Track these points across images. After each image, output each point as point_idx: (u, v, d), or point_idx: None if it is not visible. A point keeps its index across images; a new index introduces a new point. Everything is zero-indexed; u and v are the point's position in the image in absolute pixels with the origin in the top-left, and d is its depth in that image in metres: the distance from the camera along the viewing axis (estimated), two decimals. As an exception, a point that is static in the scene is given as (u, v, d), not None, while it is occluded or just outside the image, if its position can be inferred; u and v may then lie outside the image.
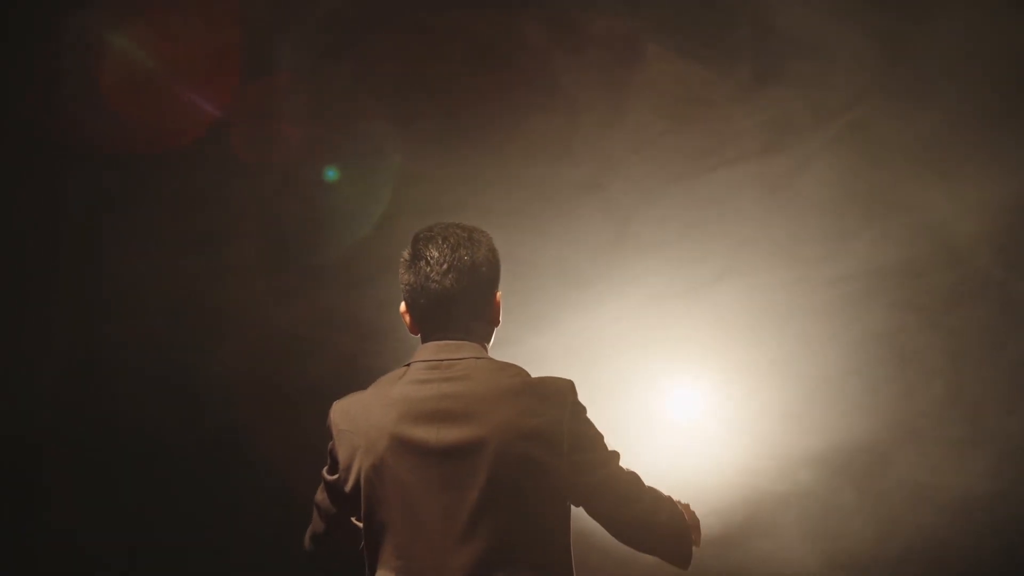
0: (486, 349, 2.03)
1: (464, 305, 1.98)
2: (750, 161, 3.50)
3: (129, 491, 3.60)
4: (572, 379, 1.95)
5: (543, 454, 1.86)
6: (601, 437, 1.96)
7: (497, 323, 2.08)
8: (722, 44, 3.52)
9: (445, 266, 1.95)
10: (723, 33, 3.52)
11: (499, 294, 2.06)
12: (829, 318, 3.42)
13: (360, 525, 2.02)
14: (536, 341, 3.38)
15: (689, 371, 3.44)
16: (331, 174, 3.62)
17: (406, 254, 2.02)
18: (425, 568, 1.86)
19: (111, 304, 3.64)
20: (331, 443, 1.99)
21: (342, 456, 1.95)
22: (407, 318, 2.04)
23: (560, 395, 1.90)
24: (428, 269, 1.96)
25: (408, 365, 1.98)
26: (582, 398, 1.99)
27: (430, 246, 1.98)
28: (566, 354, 3.28)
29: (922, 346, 3.39)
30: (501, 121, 3.57)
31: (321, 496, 2.07)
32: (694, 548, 2.06)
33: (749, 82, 3.50)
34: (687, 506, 2.12)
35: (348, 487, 1.95)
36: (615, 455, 1.96)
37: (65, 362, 3.64)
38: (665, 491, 2.06)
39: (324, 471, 2.04)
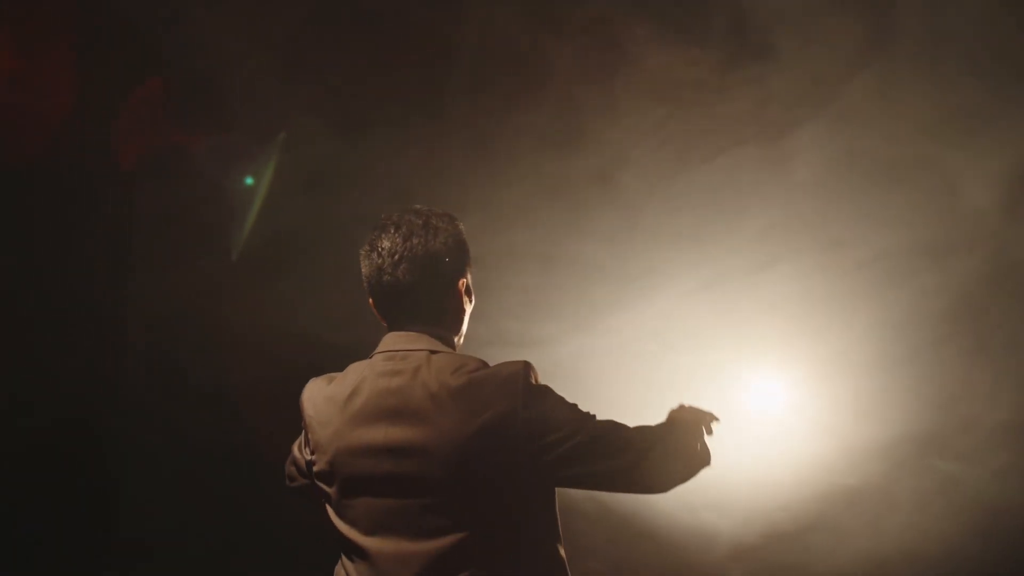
0: (451, 339, 1.99)
1: (421, 296, 1.93)
2: (754, 142, 3.40)
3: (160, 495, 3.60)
4: (528, 360, 1.88)
5: (496, 451, 1.80)
6: (569, 409, 1.86)
7: (464, 311, 2.02)
8: (711, 21, 3.43)
9: (396, 257, 1.91)
10: (711, 10, 3.43)
11: (463, 281, 1.99)
12: (873, 301, 3.30)
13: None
14: (581, 340, 3.31)
15: (754, 364, 3.33)
16: (249, 180, 3.66)
17: (365, 244, 1.97)
18: (383, 565, 1.83)
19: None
20: (303, 422, 1.99)
21: (311, 442, 1.96)
22: (374, 309, 2.01)
23: (510, 383, 1.82)
24: (380, 261, 1.93)
25: (372, 357, 1.95)
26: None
27: (384, 236, 1.94)
28: (617, 351, 3.18)
29: (961, 329, 3.27)
30: (502, 118, 3.53)
31: (299, 454, 2.07)
32: (706, 436, 2.03)
33: (743, 60, 3.40)
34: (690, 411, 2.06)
35: (312, 471, 1.97)
36: (587, 420, 1.86)
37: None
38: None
39: (302, 437, 2.04)
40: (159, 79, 3.57)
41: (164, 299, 3.59)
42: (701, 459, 1.97)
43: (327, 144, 3.63)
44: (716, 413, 2.10)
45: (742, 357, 3.30)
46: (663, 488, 1.92)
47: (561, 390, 1.91)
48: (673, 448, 1.91)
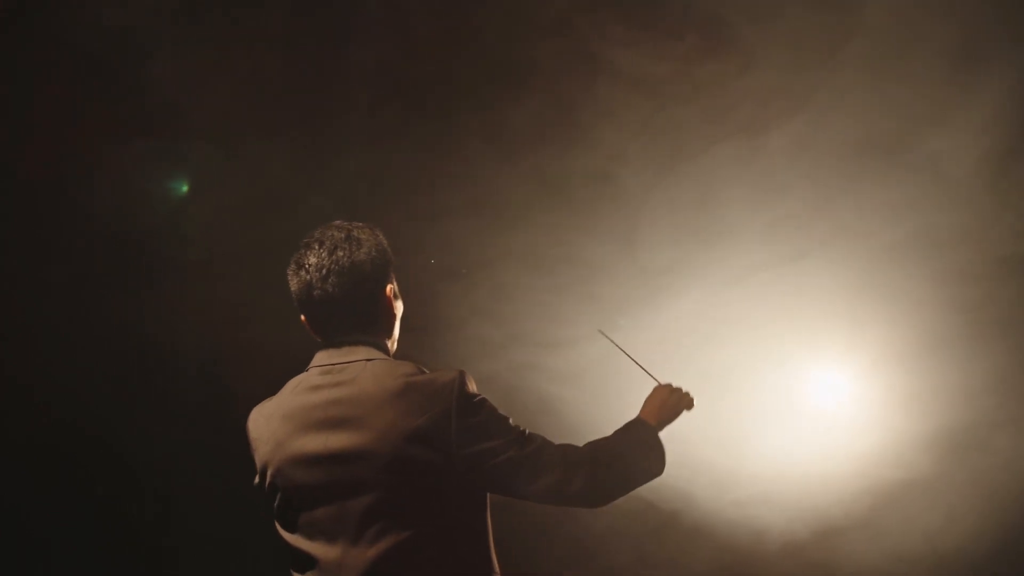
0: (386, 346, 2.05)
1: (351, 307, 1.99)
2: (751, 132, 3.37)
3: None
4: (464, 369, 1.92)
5: (431, 455, 1.85)
6: (502, 421, 1.92)
7: (394, 316, 2.08)
8: (687, 14, 3.40)
9: (324, 271, 1.97)
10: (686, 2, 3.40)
11: (390, 287, 2.06)
12: (902, 289, 3.25)
13: None
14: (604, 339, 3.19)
15: (793, 357, 3.28)
16: (183, 188, 3.70)
17: (291, 263, 2.03)
18: (326, 571, 1.88)
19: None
20: (250, 449, 2.05)
21: (257, 463, 2.02)
22: (307, 325, 2.06)
23: (446, 390, 1.87)
24: (308, 277, 1.99)
25: (308, 370, 2.01)
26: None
27: (309, 253, 2.00)
28: (649, 347, 3.07)
29: (985, 317, 3.21)
30: (499, 119, 3.51)
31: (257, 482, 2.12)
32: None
33: (722, 53, 3.36)
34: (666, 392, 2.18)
35: (264, 491, 2.02)
36: (518, 437, 1.91)
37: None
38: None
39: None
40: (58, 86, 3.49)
41: (178, 306, 3.56)
42: (641, 476, 2.04)
43: (332, 149, 3.60)
44: (692, 396, 2.21)
45: (781, 350, 3.26)
46: (593, 505, 1.99)
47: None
48: (605, 465, 1.96)
